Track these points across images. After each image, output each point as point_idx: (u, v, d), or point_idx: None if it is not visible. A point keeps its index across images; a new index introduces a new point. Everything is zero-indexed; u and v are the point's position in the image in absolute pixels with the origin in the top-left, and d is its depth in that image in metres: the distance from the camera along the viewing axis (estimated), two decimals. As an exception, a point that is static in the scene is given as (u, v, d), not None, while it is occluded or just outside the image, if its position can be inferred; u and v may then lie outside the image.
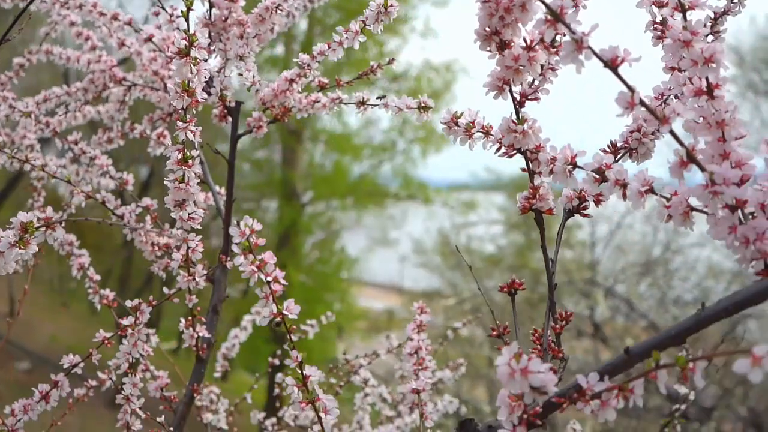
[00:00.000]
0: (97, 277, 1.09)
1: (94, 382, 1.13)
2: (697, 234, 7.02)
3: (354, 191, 11.62)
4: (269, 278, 0.61)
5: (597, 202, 0.66)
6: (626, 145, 0.67)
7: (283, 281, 0.61)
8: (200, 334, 0.96)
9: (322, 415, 0.63)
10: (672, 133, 0.51)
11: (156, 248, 1.01)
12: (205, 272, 0.90)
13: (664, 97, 0.68)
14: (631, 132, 0.67)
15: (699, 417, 5.54)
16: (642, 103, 0.50)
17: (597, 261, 6.22)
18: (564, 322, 0.62)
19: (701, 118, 0.53)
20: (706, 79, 0.53)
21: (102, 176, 1.10)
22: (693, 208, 0.54)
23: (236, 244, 0.60)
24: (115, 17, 1.10)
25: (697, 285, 6.58)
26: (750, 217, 0.52)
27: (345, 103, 0.95)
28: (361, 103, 0.92)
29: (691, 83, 0.55)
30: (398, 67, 11.26)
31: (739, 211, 0.52)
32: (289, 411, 1.33)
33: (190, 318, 0.95)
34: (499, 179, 11.05)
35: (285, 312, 0.62)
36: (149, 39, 1.06)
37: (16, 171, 1.32)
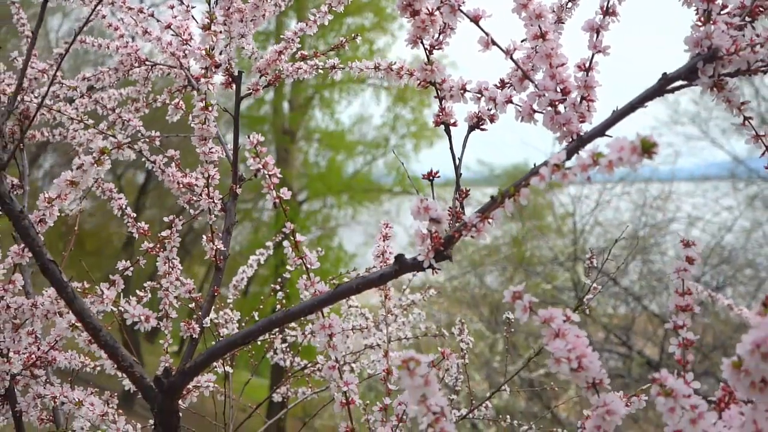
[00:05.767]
0: (134, 215, 1.40)
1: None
2: (672, 208, 7.33)
3: (348, 188, 11.92)
4: (270, 173, 0.92)
5: (491, 120, 0.97)
6: (509, 81, 0.98)
7: (279, 175, 0.92)
8: (218, 248, 1.27)
9: (309, 265, 0.94)
10: (514, 61, 0.82)
11: (180, 186, 1.32)
12: (221, 196, 1.21)
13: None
14: (513, 71, 0.98)
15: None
16: (492, 42, 0.81)
17: (579, 236, 6.54)
18: (465, 195, 0.94)
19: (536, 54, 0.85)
20: (539, 27, 0.84)
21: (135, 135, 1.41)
22: (534, 110, 0.85)
23: (247, 150, 0.91)
24: (140, 11, 1.41)
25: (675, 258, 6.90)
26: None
27: (321, 69, 1.26)
28: (333, 68, 1.24)
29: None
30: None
31: (562, 107, 0.83)
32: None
33: (210, 234, 1.26)
34: (492, 172, 11.35)
35: (282, 195, 0.93)
36: (168, 26, 1.37)
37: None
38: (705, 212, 7.84)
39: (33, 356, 1.16)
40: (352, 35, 1.27)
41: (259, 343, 1.72)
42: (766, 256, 7.62)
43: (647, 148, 0.58)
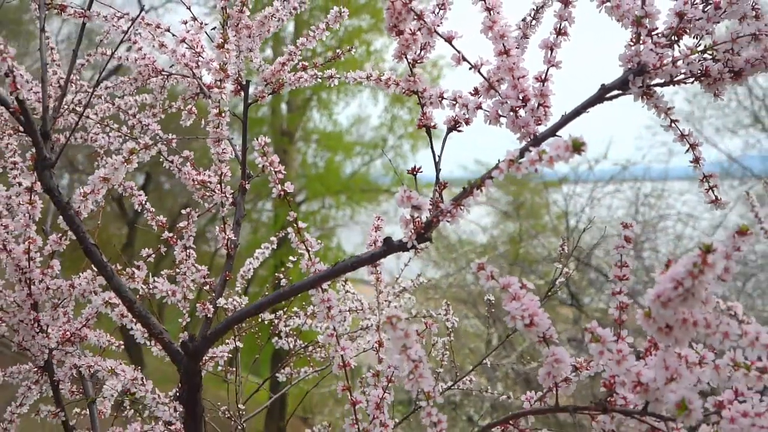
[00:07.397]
0: (153, 210, 1.56)
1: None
2: (664, 206, 7.50)
3: (347, 188, 12.07)
4: (276, 169, 1.08)
5: (467, 123, 1.13)
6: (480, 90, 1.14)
7: (283, 171, 1.08)
8: (230, 237, 1.43)
9: (310, 248, 1.10)
10: (481, 74, 0.98)
11: (195, 183, 1.48)
12: (232, 191, 1.37)
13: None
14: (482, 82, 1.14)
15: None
16: (463, 58, 0.97)
17: (571, 233, 6.71)
18: (444, 187, 1.09)
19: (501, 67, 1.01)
20: (503, 44, 1.00)
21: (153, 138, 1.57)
22: (500, 115, 1.01)
23: (256, 150, 1.07)
24: (158, 26, 1.56)
25: (666, 254, 7.06)
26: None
27: (321, 78, 1.42)
28: (331, 77, 1.40)
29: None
30: (386, 65, 11.75)
31: (522, 112, 0.99)
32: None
33: (222, 225, 1.42)
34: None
35: (285, 188, 1.09)
36: (183, 40, 1.53)
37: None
38: (699, 210, 8.01)
39: (67, 333, 1.32)
40: (348, 48, 1.43)
41: (265, 322, 1.88)
42: (756, 253, 7.79)
43: (577, 147, 0.74)
